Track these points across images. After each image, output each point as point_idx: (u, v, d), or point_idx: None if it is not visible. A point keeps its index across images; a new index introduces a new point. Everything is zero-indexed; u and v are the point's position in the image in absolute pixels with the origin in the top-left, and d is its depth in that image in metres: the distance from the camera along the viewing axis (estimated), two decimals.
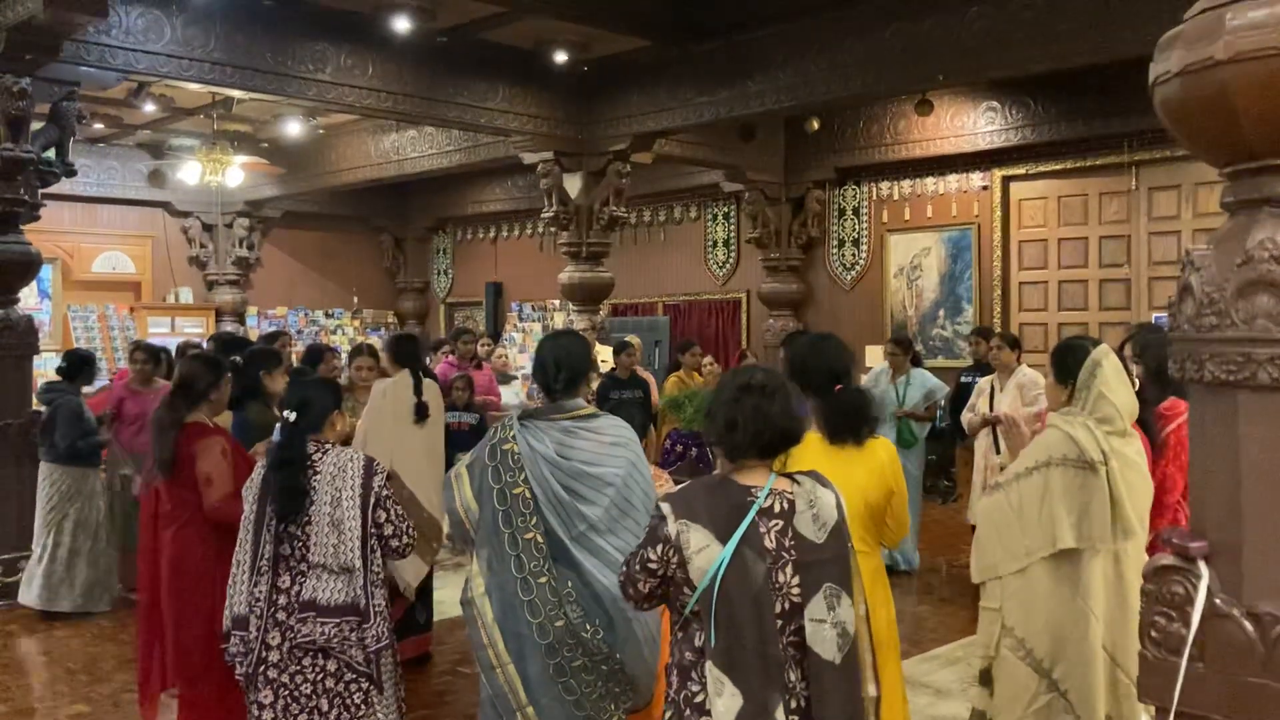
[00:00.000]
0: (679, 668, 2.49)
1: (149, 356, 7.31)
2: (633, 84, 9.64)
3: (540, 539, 3.12)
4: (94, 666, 5.98)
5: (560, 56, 9.20)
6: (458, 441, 7.21)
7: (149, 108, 10.88)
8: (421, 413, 5.62)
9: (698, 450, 6.18)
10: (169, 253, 14.60)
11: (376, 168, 12.43)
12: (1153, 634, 2.23)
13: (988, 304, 10.79)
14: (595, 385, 7.33)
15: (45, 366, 12.62)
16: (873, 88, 8.42)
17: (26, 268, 7.51)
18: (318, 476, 3.49)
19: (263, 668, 3.46)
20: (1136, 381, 3.58)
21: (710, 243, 13.23)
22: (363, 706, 3.47)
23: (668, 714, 2.52)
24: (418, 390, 5.63)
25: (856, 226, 11.84)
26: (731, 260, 13.03)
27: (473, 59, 9.23)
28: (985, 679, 3.38)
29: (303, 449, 3.53)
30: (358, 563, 3.42)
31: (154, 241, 14.53)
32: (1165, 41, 2.16)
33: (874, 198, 11.69)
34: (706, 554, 2.39)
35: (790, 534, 2.45)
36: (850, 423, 3.35)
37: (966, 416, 7.17)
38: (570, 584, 3.12)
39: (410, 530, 3.55)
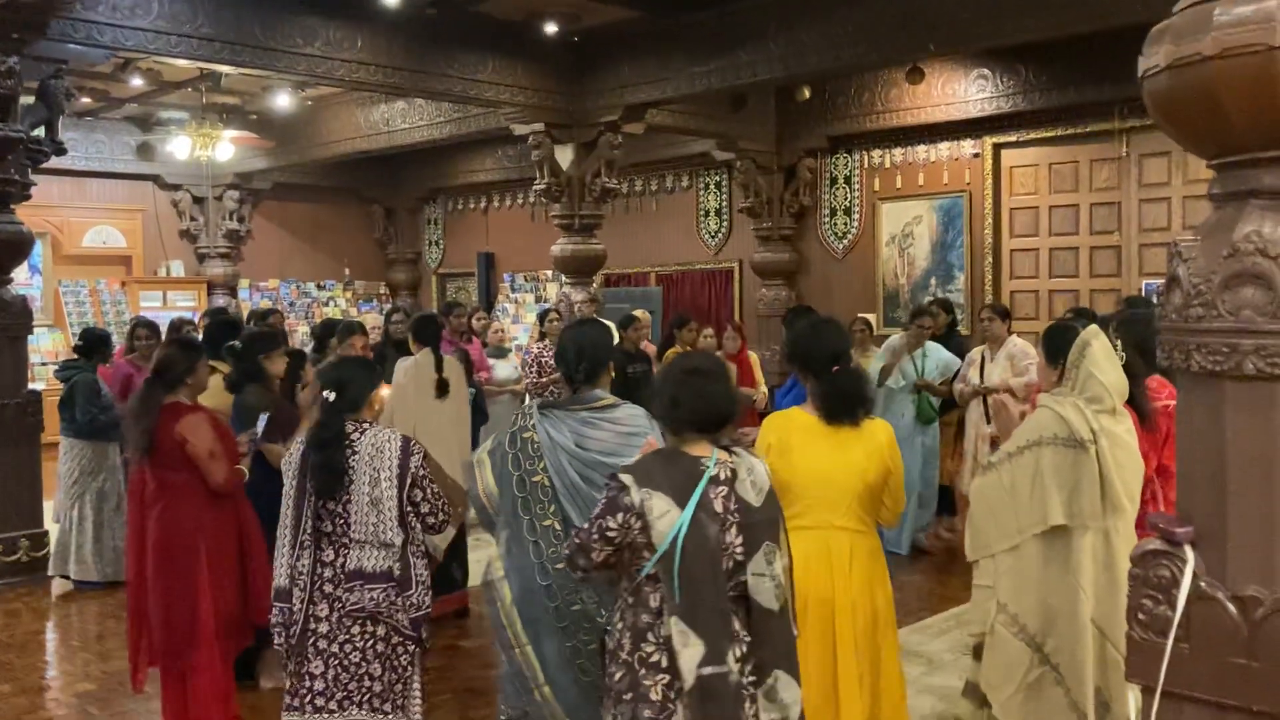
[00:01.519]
0: (633, 630, 2.69)
1: (152, 332, 7.44)
2: (623, 55, 9.60)
3: (558, 526, 3.19)
4: (99, 645, 6.04)
5: (550, 27, 9.15)
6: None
7: (136, 82, 10.81)
8: (443, 388, 6.05)
9: None
10: (159, 226, 14.55)
11: (366, 139, 12.36)
12: (1140, 616, 2.28)
13: (979, 272, 10.82)
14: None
15: (37, 342, 12.65)
16: (864, 58, 8.40)
17: (19, 248, 7.50)
18: (356, 456, 3.58)
19: (312, 639, 3.57)
20: (1123, 356, 3.61)
21: (702, 212, 13.22)
22: (409, 669, 3.63)
23: (618, 675, 2.70)
24: (438, 367, 6.07)
25: (848, 195, 11.85)
26: (724, 230, 13.03)
27: (462, 31, 9.17)
28: (979, 654, 3.45)
29: (341, 428, 3.61)
30: (397, 539, 3.54)
31: (144, 215, 14.46)
32: (1154, 35, 2.18)
33: (866, 166, 11.68)
34: (668, 519, 2.62)
35: (734, 499, 2.71)
36: (846, 404, 3.39)
37: (958, 387, 7.23)
38: None
39: (445, 507, 3.66)
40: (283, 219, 15.71)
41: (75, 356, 7.39)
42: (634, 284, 13.65)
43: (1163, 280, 2.30)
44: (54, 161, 8.38)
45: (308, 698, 3.56)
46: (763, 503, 2.75)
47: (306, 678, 3.57)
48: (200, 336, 7.96)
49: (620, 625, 2.74)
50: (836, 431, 3.39)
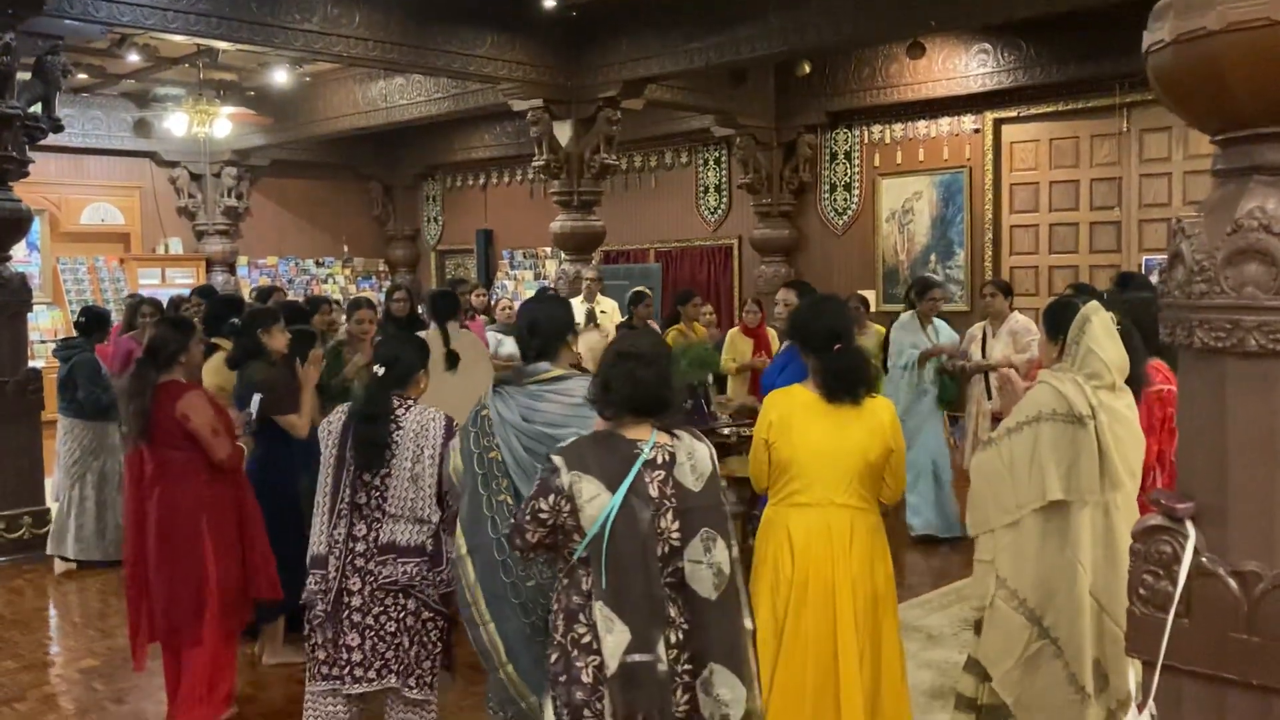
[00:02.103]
0: (565, 612, 2.68)
1: (155, 310, 7.49)
2: (622, 29, 9.55)
3: (510, 501, 3.15)
4: (101, 621, 6.07)
5: (549, 2, 9.10)
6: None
7: (133, 58, 10.76)
8: (451, 361, 6.32)
9: (693, 403, 6.23)
10: (157, 203, 14.50)
11: (364, 115, 12.32)
12: (1141, 591, 2.29)
13: (979, 247, 10.81)
14: (609, 337, 7.36)
15: (36, 320, 12.64)
16: (865, 33, 8.37)
17: (18, 225, 7.47)
18: (400, 432, 3.64)
19: (346, 613, 3.62)
20: (1120, 328, 3.60)
21: (702, 189, 13.19)
22: (438, 644, 3.69)
23: (553, 656, 2.70)
24: (447, 341, 6.38)
25: (848, 171, 11.82)
26: (723, 206, 13.00)
27: (460, 6, 9.12)
28: (980, 629, 3.46)
29: (388, 404, 3.67)
30: (434, 516, 3.61)
31: (142, 192, 14.42)
32: (1159, 10, 2.17)
33: (865, 142, 11.65)
34: (597, 502, 2.60)
35: (671, 483, 2.67)
36: (846, 383, 3.40)
37: (958, 363, 7.23)
38: None
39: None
40: (281, 196, 15.66)
41: (74, 335, 7.39)
42: (633, 261, 13.63)
43: (1163, 256, 2.30)
44: (51, 138, 8.34)
45: (347, 669, 3.63)
46: (702, 488, 2.71)
47: (344, 650, 3.63)
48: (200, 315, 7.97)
49: (556, 606, 2.73)
50: (838, 410, 3.40)
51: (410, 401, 3.74)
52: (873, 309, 9.99)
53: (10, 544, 7.23)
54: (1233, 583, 2.17)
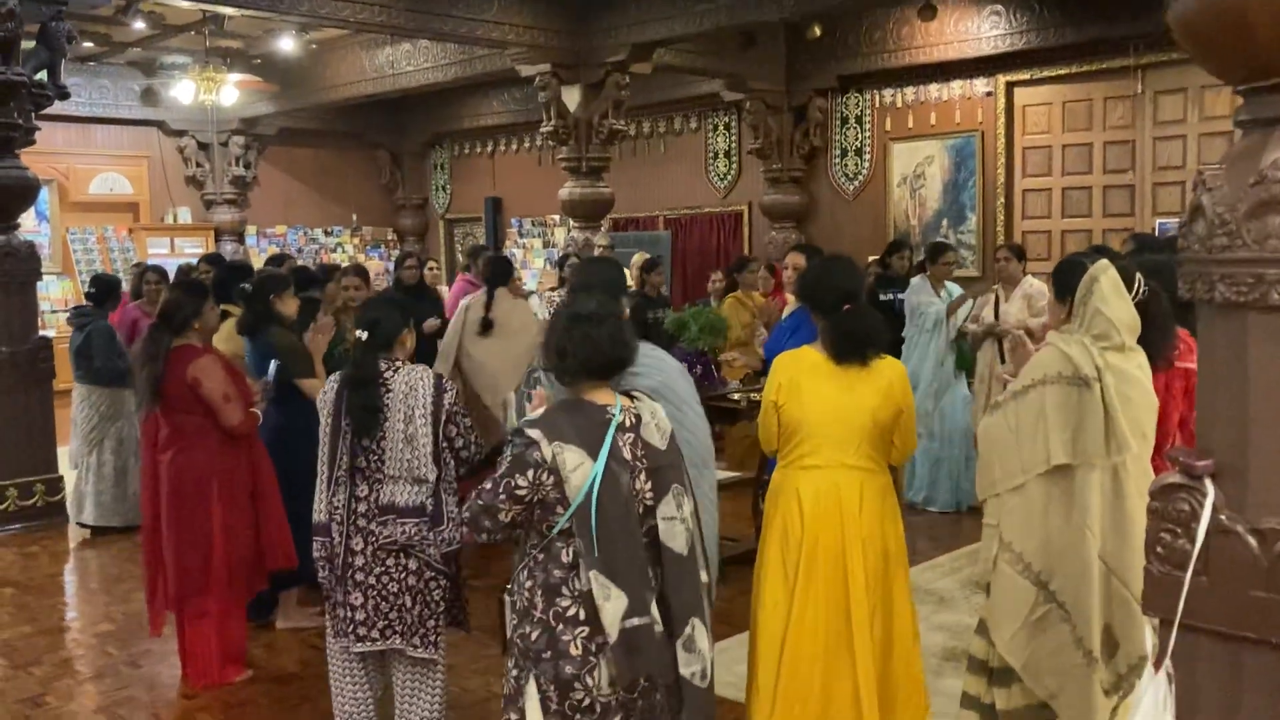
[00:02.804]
0: (545, 587, 2.63)
1: (161, 277, 7.53)
2: None
3: None
4: (116, 586, 6.11)
5: None
6: None
7: (138, 25, 10.69)
8: (485, 326, 6.52)
9: (703, 369, 6.20)
10: (165, 173, 14.47)
11: (371, 82, 12.24)
12: (1158, 550, 2.27)
13: (991, 212, 10.73)
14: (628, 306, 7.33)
15: (47, 290, 12.65)
16: None
17: (25, 193, 7.46)
18: (390, 394, 3.64)
19: (350, 572, 3.65)
20: (1146, 290, 3.53)
21: (711, 154, 13.09)
22: (441, 603, 3.71)
23: (534, 634, 2.63)
24: (488, 307, 6.55)
25: (859, 135, 11.72)
26: (733, 172, 12.92)
27: None
28: (989, 592, 3.44)
29: (375, 368, 3.67)
30: (431, 475, 3.61)
31: (150, 161, 14.37)
32: None
33: (877, 106, 11.54)
34: (581, 471, 2.58)
35: (640, 445, 2.70)
36: (855, 345, 3.37)
37: (970, 327, 7.18)
38: None
39: (478, 440, 3.73)
40: (289, 165, 15.61)
41: (86, 304, 7.44)
42: (642, 228, 13.56)
43: (1177, 220, 2.26)
44: (59, 108, 8.33)
45: (350, 627, 3.67)
46: (667, 446, 2.74)
47: (348, 609, 3.67)
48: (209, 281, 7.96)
49: (530, 584, 2.68)
50: (846, 371, 3.37)
51: (398, 363, 3.73)
52: None
53: (24, 511, 7.28)
54: (1252, 540, 2.15)
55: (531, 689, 2.64)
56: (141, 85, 13.77)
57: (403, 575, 3.66)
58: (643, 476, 2.68)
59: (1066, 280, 3.41)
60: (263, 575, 4.76)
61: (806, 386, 3.38)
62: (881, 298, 7.77)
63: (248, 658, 4.78)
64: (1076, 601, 3.16)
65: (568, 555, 2.63)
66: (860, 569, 3.36)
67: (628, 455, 2.67)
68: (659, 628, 2.62)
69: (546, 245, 14.72)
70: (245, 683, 4.63)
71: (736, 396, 6.34)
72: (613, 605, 2.55)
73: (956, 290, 7.41)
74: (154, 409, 4.49)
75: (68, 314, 7.81)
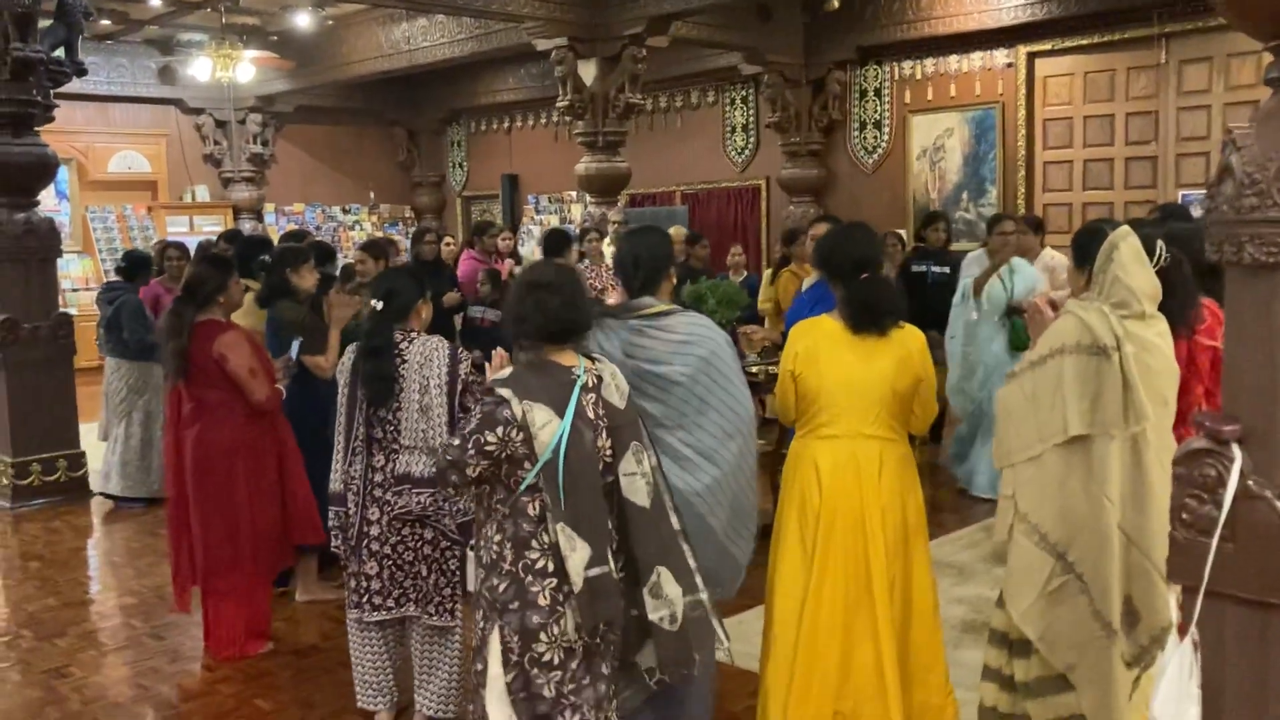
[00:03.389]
0: (514, 541, 2.74)
1: (182, 254, 7.56)
2: None
3: None
4: (138, 560, 6.16)
5: None
6: (479, 335, 7.28)
7: (155, 2, 10.69)
8: None
9: None
10: (183, 151, 14.50)
11: (387, 59, 12.21)
12: (1184, 516, 2.24)
13: (1011, 185, 10.63)
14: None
15: (67, 268, 12.72)
16: None
17: (44, 169, 7.49)
18: (405, 365, 3.66)
19: (365, 541, 3.69)
20: (1167, 256, 3.48)
21: (729, 128, 13.02)
22: (458, 572, 3.73)
23: (502, 586, 2.74)
24: None
25: (878, 108, 11.62)
26: (750, 146, 12.84)
27: None
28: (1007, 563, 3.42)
29: (389, 338, 3.68)
30: None
31: (168, 140, 14.41)
32: None
33: (896, 78, 11.43)
34: (549, 428, 2.70)
35: (601, 404, 2.82)
36: (872, 314, 3.34)
37: (1025, 303, 7.04)
38: None
39: None
40: (306, 142, 15.61)
41: (118, 279, 7.55)
42: (659, 203, 13.51)
43: (1201, 192, 2.22)
44: (76, 86, 8.34)
45: (365, 596, 3.71)
46: (626, 405, 2.87)
47: (364, 578, 3.71)
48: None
49: (499, 538, 2.77)
50: (862, 341, 3.35)
51: (413, 333, 3.75)
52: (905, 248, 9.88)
53: (47, 486, 7.34)
54: None
55: (495, 640, 2.74)
56: (159, 63, 13.79)
57: (418, 544, 3.70)
58: (604, 435, 2.81)
59: (1086, 247, 3.34)
60: (289, 550, 4.79)
61: (824, 355, 3.36)
62: (914, 269, 7.65)
63: (271, 630, 4.81)
64: (1095, 573, 3.11)
65: (535, 509, 2.73)
66: (880, 539, 3.34)
67: (591, 414, 2.79)
68: (616, 576, 2.77)
69: (563, 221, 14.68)
70: (266, 655, 4.66)
71: (755, 370, 6.32)
72: (578, 556, 2.67)
73: (1022, 267, 6.68)
74: (179, 382, 4.50)
75: (98, 290, 7.90)
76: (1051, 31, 10.09)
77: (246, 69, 11.72)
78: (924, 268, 7.69)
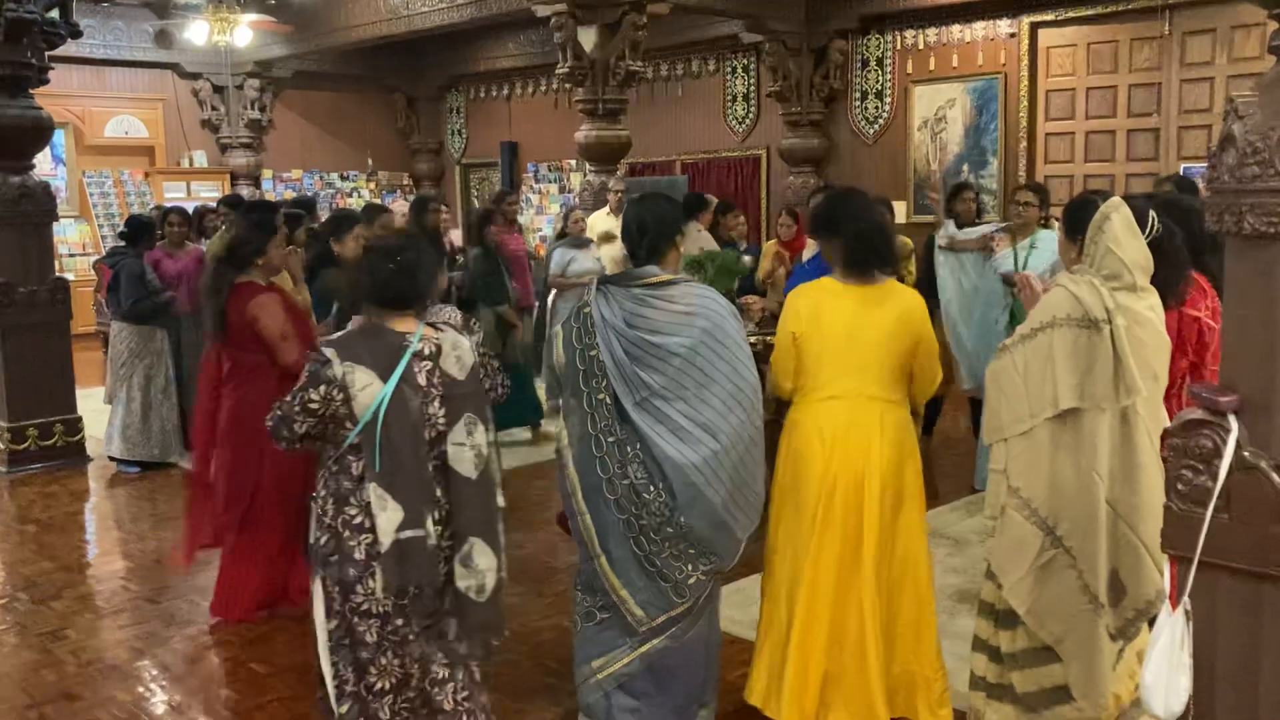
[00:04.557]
0: (335, 496, 2.88)
1: (183, 219, 7.62)
2: None
3: (609, 400, 3.16)
4: (134, 525, 6.17)
5: None
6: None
7: None
8: None
9: None
10: (180, 116, 14.41)
11: (387, 24, 12.10)
12: (1179, 486, 2.24)
13: (1013, 156, 10.58)
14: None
15: (64, 233, 12.68)
16: None
17: (39, 132, 7.43)
18: None
19: None
20: (1160, 226, 3.46)
21: (729, 97, 12.93)
22: None
23: (323, 539, 2.88)
24: None
25: (880, 78, 11.54)
26: (751, 116, 12.76)
27: None
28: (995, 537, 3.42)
29: None
30: None
31: (165, 104, 14.31)
32: None
33: (898, 47, 11.35)
34: (369, 391, 2.79)
35: (438, 373, 2.89)
36: (868, 248, 3.35)
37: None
38: (635, 446, 3.15)
39: (504, 381, 3.76)
40: (305, 109, 15.52)
41: (120, 244, 7.52)
42: (659, 173, 13.44)
43: (1204, 165, 2.20)
44: (72, 49, 8.28)
45: None
46: (466, 377, 2.93)
47: None
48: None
49: (324, 492, 2.91)
50: (864, 295, 3.35)
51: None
52: (900, 220, 9.84)
53: (44, 451, 7.34)
54: (1276, 477, 2.12)
55: (319, 589, 2.88)
56: (155, 27, 13.67)
57: None
58: (436, 403, 2.87)
59: (1077, 219, 3.32)
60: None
61: (825, 311, 3.35)
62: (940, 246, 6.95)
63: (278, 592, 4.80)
64: (1083, 547, 3.11)
65: (358, 468, 2.84)
66: (876, 505, 3.35)
67: (422, 381, 2.86)
68: (432, 541, 2.83)
69: (563, 190, 14.62)
70: (264, 619, 4.68)
71: (754, 340, 6.30)
72: (388, 517, 2.78)
73: (1046, 242, 6.07)
74: (217, 341, 4.54)
75: (99, 257, 7.91)
76: (1055, 2, 10.01)
77: (244, 33, 11.62)
78: None
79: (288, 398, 2.87)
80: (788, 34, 11.40)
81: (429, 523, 2.83)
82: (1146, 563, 3.09)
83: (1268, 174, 2.02)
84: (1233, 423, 2.17)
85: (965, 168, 10.91)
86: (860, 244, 3.35)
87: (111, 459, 7.26)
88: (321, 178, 15.78)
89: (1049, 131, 10.44)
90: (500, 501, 3.00)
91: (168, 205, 8.92)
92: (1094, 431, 3.07)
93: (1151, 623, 2.79)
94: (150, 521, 6.15)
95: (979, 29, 10.67)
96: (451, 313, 3.72)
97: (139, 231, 7.39)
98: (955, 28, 10.83)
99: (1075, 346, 3.06)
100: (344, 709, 2.87)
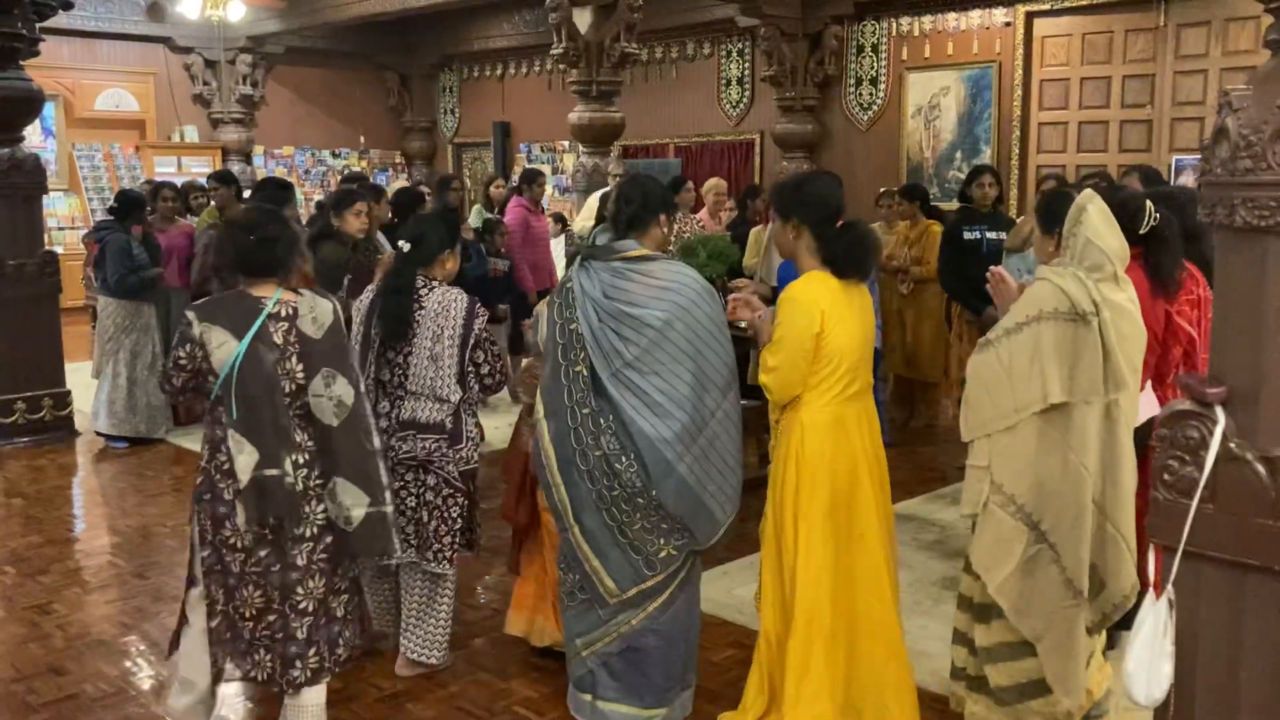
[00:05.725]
0: (210, 442, 3.20)
1: (176, 195, 7.70)
2: None
3: (586, 373, 3.24)
4: (122, 500, 6.16)
5: None
6: (490, 288, 7.23)
7: None
8: None
9: None
10: (172, 90, 14.31)
11: (380, 1, 12.03)
12: (1165, 477, 2.26)
13: (1006, 145, 10.59)
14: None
15: (53, 206, 12.61)
16: None
17: (29, 104, 7.39)
18: (422, 311, 3.73)
19: None
20: (1157, 215, 3.50)
21: (724, 81, 12.90)
22: (459, 520, 3.81)
23: (200, 479, 3.21)
24: None
25: (875, 64, 11.53)
26: (745, 100, 12.74)
27: None
28: (977, 533, 3.43)
29: (412, 279, 3.77)
30: (453, 396, 3.73)
31: (156, 79, 14.22)
32: None
33: (894, 34, 11.33)
34: (225, 348, 3.12)
35: (295, 333, 3.18)
36: (866, 251, 3.34)
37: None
38: (609, 418, 3.21)
39: (502, 369, 3.91)
40: (297, 85, 15.43)
41: (108, 218, 7.47)
42: (652, 156, 13.41)
43: (1195, 156, 2.21)
44: (64, 21, 8.21)
45: None
46: (323, 336, 3.21)
47: None
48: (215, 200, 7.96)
49: (204, 438, 3.24)
50: (845, 287, 3.33)
51: (435, 282, 3.81)
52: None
53: (32, 425, 7.32)
54: (1261, 468, 2.14)
55: (195, 523, 3.21)
56: (147, 0, 13.57)
57: (421, 490, 3.77)
58: (294, 359, 3.17)
59: (1055, 212, 3.32)
60: None
61: (843, 311, 3.30)
62: (966, 236, 6.60)
63: None
64: (1068, 542, 3.07)
65: (226, 418, 3.13)
66: (884, 494, 3.43)
67: (279, 340, 3.15)
68: (290, 480, 3.12)
69: (556, 171, 14.59)
70: None
71: (744, 324, 6.30)
72: (244, 459, 3.08)
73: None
74: None
75: (72, 231, 7.87)
76: None
77: (237, 8, 11.56)
78: (976, 234, 6.61)
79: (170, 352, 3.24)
80: (783, 19, 11.37)
81: (287, 464, 3.12)
82: (1126, 558, 3.10)
83: (1260, 167, 2.04)
84: (1220, 414, 2.19)
85: (958, 156, 10.91)
86: (859, 248, 3.33)
87: (99, 434, 7.24)
88: (313, 154, 15.71)
89: (1042, 121, 10.44)
90: (374, 445, 3.27)
91: (158, 180, 8.90)
92: (1083, 426, 3.05)
93: (1127, 619, 2.82)
94: (138, 497, 6.15)
95: (975, 17, 10.65)
96: (457, 293, 3.78)
97: (129, 207, 7.31)
98: (951, 15, 10.81)
99: (1062, 340, 3.04)
100: (214, 623, 3.21)
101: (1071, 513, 3.07)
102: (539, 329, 3.47)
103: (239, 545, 3.15)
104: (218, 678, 3.26)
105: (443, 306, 3.72)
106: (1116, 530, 3.09)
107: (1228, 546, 2.20)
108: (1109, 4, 9.77)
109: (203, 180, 9.49)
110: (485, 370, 3.78)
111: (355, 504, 3.22)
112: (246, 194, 8.34)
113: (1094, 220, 3.10)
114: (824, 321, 3.23)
